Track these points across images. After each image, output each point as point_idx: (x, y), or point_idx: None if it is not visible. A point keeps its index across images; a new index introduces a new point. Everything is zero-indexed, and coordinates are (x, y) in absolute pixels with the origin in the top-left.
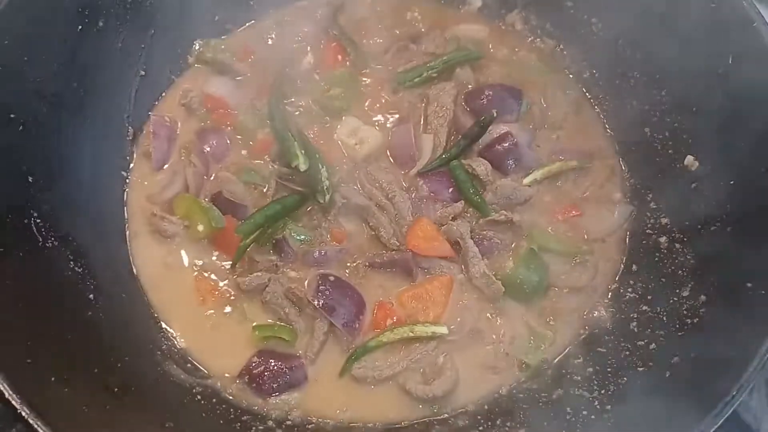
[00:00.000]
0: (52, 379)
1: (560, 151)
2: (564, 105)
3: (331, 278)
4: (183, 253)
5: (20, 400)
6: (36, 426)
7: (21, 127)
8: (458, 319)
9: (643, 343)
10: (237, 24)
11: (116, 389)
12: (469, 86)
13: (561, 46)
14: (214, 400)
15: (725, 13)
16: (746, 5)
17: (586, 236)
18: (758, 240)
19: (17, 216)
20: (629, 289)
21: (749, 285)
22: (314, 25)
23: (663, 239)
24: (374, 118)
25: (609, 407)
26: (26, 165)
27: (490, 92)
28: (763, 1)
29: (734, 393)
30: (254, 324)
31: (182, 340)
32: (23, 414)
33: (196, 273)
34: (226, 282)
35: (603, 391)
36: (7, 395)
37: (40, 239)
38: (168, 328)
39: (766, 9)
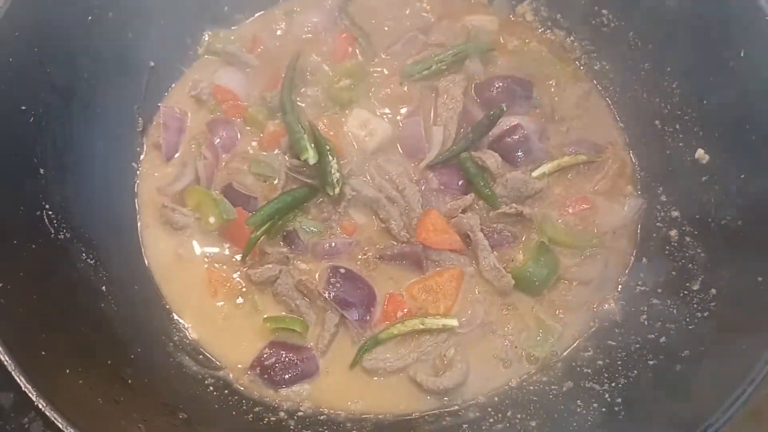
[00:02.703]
0: (67, 370)
1: (570, 143)
2: (574, 97)
3: (342, 270)
4: (194, 244)
5: (35, 392)
6: (51, 417)
7: (32, 119)
8: (468, 312)
9: (653, 336)
10: (246, 14)
11: (129, 380)
12: (479, 78)
13: (571, 38)
14: (226, 391)
15: (737, 6)
16: None
17: (596, 229)
18: None
19: (30, 208)
20: (639, 282)
21: (760, 279)
22: (324, 15)
23: (673, 232)
24: (384, 110)
25: (619, 400)
26: (37, 157)
27: (500, 84)
28: None
29: (745, 387)
30: (265, 316)
31: (194, 331)
32: (39, 405)
33: (207, 264)
34: (237, 274)
35: (613, 384)
36: (23, 387)
37: (53, 231)
38: (180, 320)
39: None
